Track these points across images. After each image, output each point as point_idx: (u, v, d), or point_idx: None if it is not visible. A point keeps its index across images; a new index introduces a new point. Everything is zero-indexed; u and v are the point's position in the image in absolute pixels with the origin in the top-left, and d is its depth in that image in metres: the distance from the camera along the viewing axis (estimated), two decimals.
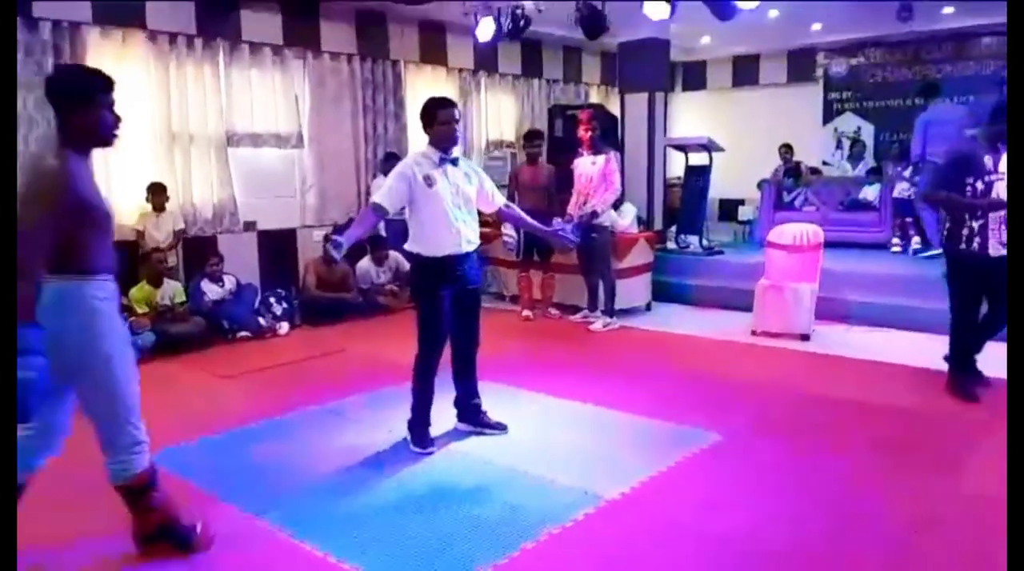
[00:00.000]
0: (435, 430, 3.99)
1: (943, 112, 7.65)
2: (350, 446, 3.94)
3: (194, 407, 4.71)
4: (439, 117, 3.78)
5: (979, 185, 4.27)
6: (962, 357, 4.58)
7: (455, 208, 3.78)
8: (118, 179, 6.68)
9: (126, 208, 6.74)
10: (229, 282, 6.82)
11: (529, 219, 4.38)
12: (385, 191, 3.75)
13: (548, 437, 4.09)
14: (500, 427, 4.11)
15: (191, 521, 2.90)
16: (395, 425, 4.06)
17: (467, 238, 3.84)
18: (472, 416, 4.12)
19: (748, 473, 3.56)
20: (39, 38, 6.09)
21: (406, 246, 3.88)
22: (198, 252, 7.00)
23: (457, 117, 3.82)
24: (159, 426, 4.26)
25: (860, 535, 2.94)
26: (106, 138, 2.62)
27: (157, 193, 6.66)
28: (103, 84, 2.58)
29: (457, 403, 4.14)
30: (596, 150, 6.47)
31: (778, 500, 3.26)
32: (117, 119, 2.61)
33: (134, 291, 6.17)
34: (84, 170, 2.53)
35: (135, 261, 6.42)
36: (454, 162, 3.85)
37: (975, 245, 4.32)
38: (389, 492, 3.41)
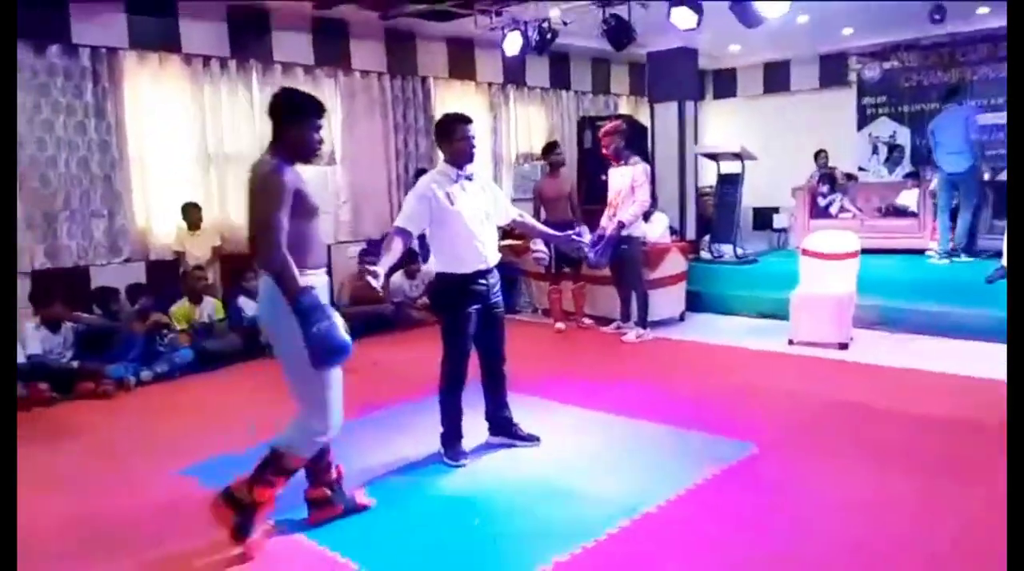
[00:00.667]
0: (468, 443, 3.99)
1: (946, 117, 7.62)
2: (382, 460, 3.94)
3: (228, 422, 4.76)
4: (456, 133, 3.75)
5: None
6: None
7: (476, 223, 3.78)
8: (156, 200, 6.83)
9: (164, 229, 6.88)
10: None
11: (543, 228, 4.40)
12: (407, 215, 3.74)
13: (583, 449, 4.06)
14: (532, 439, 4.09)
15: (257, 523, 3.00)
16: (427, 437, 4.06)
17: (490, 252, 3.85)
18: (504, 429, 4.11)
19: (784, 487, 3.49)
20: (78, 64, 6.26)
21: (429, 264, 3.88)
22: (235, 269, 7.10)
23: (474, 133, 3.79)
24: (195, 441, 4.34)
25: (896, 554, 2.87)
26: (308, 154, 2.99)
27: (191, 212, 6.78)
28: (315, 109, 2.95)
29: (488, 416, 4.13)
30: (623, 161, 6.45)
31: (814, 516, 3.19)
32: (320, 140, 2.98)
33: (175, 309, 6.32)
34: (293, 173, 2.87)
35: (176, 280, 6.57)
36: (470, 178, 3.83)
37: None
38: (420, 505, 3.41)
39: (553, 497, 3.43)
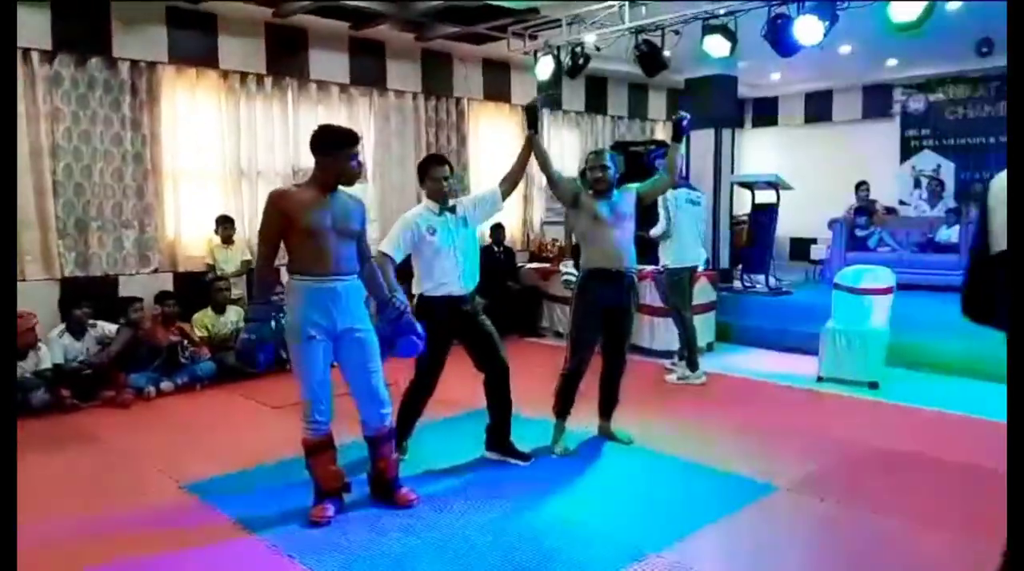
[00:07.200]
0: (474, 462, 4.02)
1: None
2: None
3: (242, 437, 4.75)
4: (431, 173, 4.05)
5: None
6: None
7: (457, 252, 4.04)
8: (187, 213, 6.90)
9: (194, 241, 6.95)
10: None
11: None
12: (392, 242, 4.01)
13: (596, 481, 3.96)
14: (525, 457, 4.20)
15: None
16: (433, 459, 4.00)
17: (467, 281, 4.08)
18: (499, 444, 4.24)
19: (802, 533, 3.35)
20: (118, 77, 6.38)
21: (414, 288, 4.09)
22: None
23: (447, 174, 4.04)
24: (204, 455, 4.32)
25: None
26: (344, 179, 3.32)
27: (225, 225, 6.85)
28: (347, 140, 3.30)
29: (488, 429, 4.27)
30: None
31: (827, 565, 3.04)
32: (359, 166, 3.35)
33: (198, 315, 6.38)
34: (312, 198, 3.25)
35: (204, 293, 6.61)
36: (453, 210, 4.09)
37: None
38: (409, 534, 3.32)
39: (559, 533, 3.32)
